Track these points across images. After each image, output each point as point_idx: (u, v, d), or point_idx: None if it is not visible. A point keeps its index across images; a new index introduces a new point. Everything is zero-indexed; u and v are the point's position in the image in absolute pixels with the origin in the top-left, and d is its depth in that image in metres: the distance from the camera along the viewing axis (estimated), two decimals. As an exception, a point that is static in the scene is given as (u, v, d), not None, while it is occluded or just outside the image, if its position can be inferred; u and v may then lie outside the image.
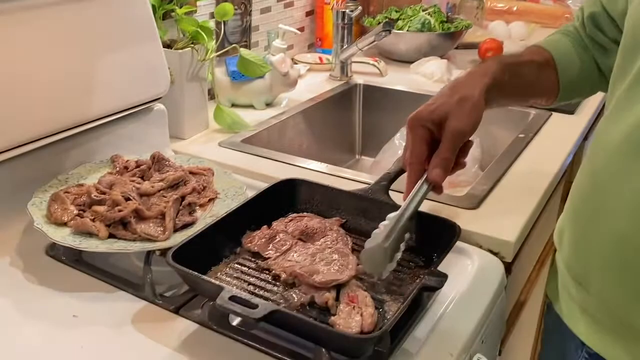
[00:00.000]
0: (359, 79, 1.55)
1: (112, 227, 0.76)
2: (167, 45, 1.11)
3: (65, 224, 0.77)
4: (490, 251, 0.84)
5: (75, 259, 0.78)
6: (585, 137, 1.29)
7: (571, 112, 1.31)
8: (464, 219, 0.86)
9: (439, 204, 0.91)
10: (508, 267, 0.84)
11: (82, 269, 0.77)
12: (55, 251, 0.79)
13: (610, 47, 0.78)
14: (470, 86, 0.75)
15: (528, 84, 0.81)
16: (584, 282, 0.68)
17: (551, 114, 1.29)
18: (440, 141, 0.74)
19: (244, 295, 0.61)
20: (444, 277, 0.65)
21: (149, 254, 0.73)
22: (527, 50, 0.81)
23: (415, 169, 0.75)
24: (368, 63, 1.59)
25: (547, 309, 0.82)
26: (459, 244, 0.80)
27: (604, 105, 1.37)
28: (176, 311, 0.70)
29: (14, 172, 0.84)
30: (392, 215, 0.70)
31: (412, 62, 1.63)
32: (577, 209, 0.70)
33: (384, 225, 0.69)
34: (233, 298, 0.59)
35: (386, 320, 0.64)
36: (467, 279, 0.77)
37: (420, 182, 0.73)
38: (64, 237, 0.75)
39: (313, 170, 1.04)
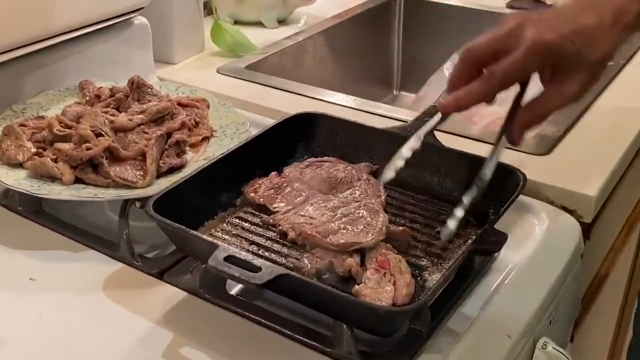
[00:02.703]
0: (399, -10, 1.51)
1: (79, 170, 0.76)
2: (152, -58, 1.09)
3: (20, 165, 0.78)
4: (565, 208, 0.82)
5: (35, 210, 0.79)
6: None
7: (676, 34, 1.26)
8: (532, 167, 0.85)
9: (499, 148, 0.89)
10: (587, 230, 0.83)
11: (43, 222, 0.77)
12: (9, 199, 0.80)
13: None
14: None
15: None
16: None
17: (649, 36, 1.25)
18: None
19: (244, 255, 0.60)
20: (501, 237, 0.64)
21: (126, 203, 0.73)
22: None
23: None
24: (411, -31, 1.54)
25: None
26: (523, 198, 0.79)
27: None
28: (159, 276, 0.71)
29: (-43, 100, 0.84)
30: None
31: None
32: None
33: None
34: (230, 259, 0.58)
35: (426, 290, 0.63)
36: (532, 243, 0.76)
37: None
38: (18, 180, 0.75)
39: (338, 104, 1.04)
